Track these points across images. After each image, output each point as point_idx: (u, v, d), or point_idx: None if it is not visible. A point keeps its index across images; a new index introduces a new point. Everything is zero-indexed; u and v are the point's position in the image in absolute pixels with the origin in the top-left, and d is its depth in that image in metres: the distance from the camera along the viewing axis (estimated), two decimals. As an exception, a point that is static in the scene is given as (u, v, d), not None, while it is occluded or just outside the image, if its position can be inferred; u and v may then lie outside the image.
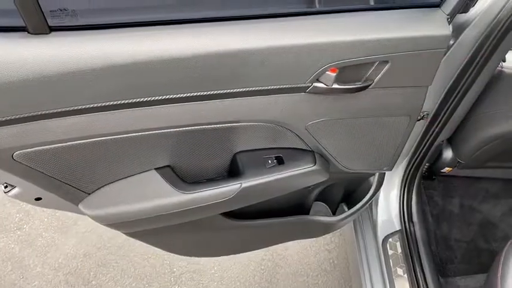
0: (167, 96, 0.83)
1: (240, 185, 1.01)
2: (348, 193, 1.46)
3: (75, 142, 0.84)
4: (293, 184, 1.09)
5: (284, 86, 0.89)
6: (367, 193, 1.35)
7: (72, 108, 0.78)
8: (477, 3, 1.02)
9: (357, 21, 0.87)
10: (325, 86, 0.90)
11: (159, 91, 0.82)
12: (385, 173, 1.35)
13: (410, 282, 1.38)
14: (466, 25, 1.06)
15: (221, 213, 1.17)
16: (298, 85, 0.90)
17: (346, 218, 1.34)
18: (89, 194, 0.96)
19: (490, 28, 1.06)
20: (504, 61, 1.18)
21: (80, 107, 0.78)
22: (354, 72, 0.91)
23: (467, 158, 1.47)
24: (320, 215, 1.36)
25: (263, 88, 0.88)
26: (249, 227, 1.27)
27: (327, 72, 0.88)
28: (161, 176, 0.99)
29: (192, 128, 0.92)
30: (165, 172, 1.00)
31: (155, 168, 0.99)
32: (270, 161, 1.05)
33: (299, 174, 1.07)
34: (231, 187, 1.01)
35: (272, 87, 0.89)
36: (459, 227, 1.67)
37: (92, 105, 0.79)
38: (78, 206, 0.97)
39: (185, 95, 0.84)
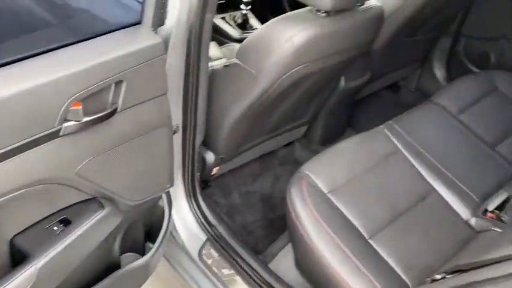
0: None
1: (34, 267, 0.88)
2: (148, 230, 1.45)
3: None
4: (92, 239, 1.02)
5: (31, 139, 0.82)
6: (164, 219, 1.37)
7: None
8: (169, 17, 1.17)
9: (76, 53, 0.89)
10: (76, 123, 0.88)
11: None
12: (169, 192, 1.39)
13: (240, 274, 1.47)
14: (169, 37, 1.21)
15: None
16: (47, 132, 0.85)
17: (156, 251, 1.32)
18: None
19: (188, 36, 1.23)
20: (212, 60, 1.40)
21: None
22: (98, 100, 0.92)
23: (224, 152, 1.66)
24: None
25: (7, 149, 0.79)
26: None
27: (71, 108, 0.86)
28: None
29: None
30: None
31: None
32: (56, 228, 0.95)
33: (91, 226, 1.01)
34: (24, 275, 0.87)
35: (17, 144, 0.81)
36: (248, 212, 1.86)
37: None
38: None
39: None
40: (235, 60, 1.42)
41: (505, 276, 0.75)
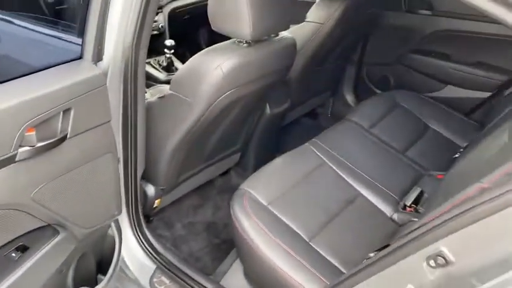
0: None
1: (-5, 292, 0.89)
2: (100, 261, 1.45)
3: None
4: (49, 263, 1.04)
5: None
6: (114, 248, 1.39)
7: None
8: (106, 52, 1.26)
9: (26, 84, 0.96)
10: (31, 148, 0.93)
11: None
12: (118, 221, 1.42)
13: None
14: (107, 71, 1.30)
15: None
16: (4, 157, 0.89)
17: (108, 281, 1.34)
18: None
19: (124, 70, 1.32)
20: (146, 92, 1.49)
21: None
22: (50, 127, 0.98)
23: (164, 183, 1.72)
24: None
25: None
26: None
27: (26, 134, 0.92)
28: None
29: None
30: None
31: None
32: (14, 254, 0.97)
33: (48, 251, 1.04)
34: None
35: None
36: (193, 240, 1.91)
37: None
38: None
39: None
40: (169, 91, 1.53)
41: (422, 233, 0.92)
